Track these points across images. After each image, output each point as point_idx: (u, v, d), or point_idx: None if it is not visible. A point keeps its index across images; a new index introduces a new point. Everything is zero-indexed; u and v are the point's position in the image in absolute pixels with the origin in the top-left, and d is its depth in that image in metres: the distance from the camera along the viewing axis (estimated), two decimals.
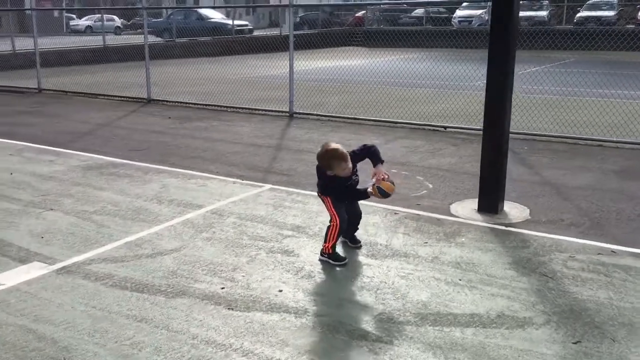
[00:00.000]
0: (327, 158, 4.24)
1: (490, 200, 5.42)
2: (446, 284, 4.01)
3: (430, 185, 6.28)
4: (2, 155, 7.65)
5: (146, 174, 6.70)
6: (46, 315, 3.60)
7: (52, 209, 5.51)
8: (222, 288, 3.95)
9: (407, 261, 4.38)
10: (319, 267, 4.30)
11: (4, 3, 20.67)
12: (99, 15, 39.97)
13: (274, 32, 29.90)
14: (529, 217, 5.31)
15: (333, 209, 4.36)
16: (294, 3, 10.63)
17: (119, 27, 38.83)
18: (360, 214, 4.65)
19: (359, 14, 36.20)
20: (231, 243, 4.71)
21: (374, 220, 5.22)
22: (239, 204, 5.68)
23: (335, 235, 4.32)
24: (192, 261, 4.38)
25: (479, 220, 5.24)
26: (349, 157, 4.23)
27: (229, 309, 3.68)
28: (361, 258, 4.45)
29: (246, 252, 4.54)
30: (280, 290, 3.92)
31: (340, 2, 40.02)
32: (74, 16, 45.33)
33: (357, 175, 4.43)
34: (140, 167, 7.03)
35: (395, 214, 5.41)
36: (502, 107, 5.26)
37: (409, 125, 9.43)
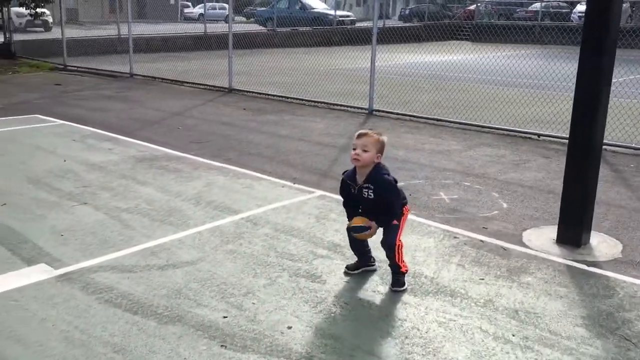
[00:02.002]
0: None
1: (572, 229, 4.49)
2: (494, 340, 3.21)
3: (505, 205, 5.39)
4: (66, 140, 7.57)
5: (195, 170, 6.31)
6: (22, 332, 3.21)
7: (85, 203, 5.22)
8: (225, 317, 3.39)
9: (452, 302, 3.60)
10: (343, 299, 3.63)
11: None
12: (212, 3, 41.17)
13: (380, 24, 29.12)
14: (620, 256, 4.32)
15: None
16: None
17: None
18: (387, 242, 3.71)
19: (471, 7, 34.56)
20: (255, 259, 4.15)
21: (427, 245, 4.46)
22: (279, 211, 5.11)
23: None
24: (204, 278, 3.86)
25: (555, 255, 4.33)
26: (363, 139, 3.60)
27: (222, 346, 3.12)
28: (397, 293, 3.72)
29: (267, 272, 3.96)
30: (290, 327, 3.30)
31: None
32: (189, 4, 47.01)
33: (368, 193, 3.65)
34: (192, 161, 6.65)
35: (455, 238, 4.61)
36: (592, 116, 4.30)
37: (497, 131, 8.44)
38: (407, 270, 3.82)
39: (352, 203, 3.81)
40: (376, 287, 3.78)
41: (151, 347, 3.09)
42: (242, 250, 4.30)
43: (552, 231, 4.68)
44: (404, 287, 3.75)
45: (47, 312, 3.41)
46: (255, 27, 27.44)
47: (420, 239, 4.54)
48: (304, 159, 6.89)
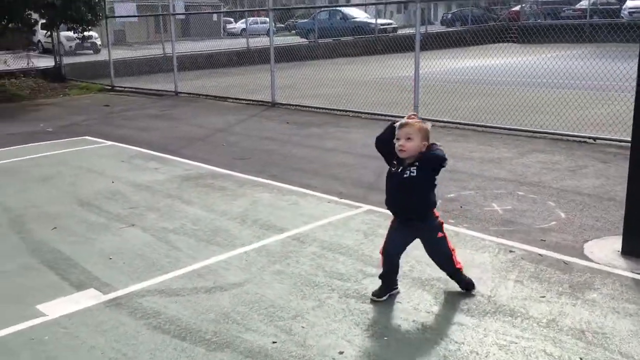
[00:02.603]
0: None
1: (638, 240, 4.21)
2: None
3: (563, 215, 5.13)
4: (114, 161, 7.66)
5: (241, 187, 6.26)
6: None
7: (133, 225, 5.23)
8: (274, 342, 3.29)
9: (512, 323, 3.40)
10: (396, 321, 3.48)
11: (155, 8, 22.00)
12: (254, 18, 41.68)
13: (422, 29, 28.80)
14: None
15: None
16: None
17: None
18: (442, 254, 3.70)
19: (515, 7, 33.89)
20: (303, 280, 4.04)
21: (481, 260, 4.25)
22: (327, 228, 5.00)
23: (381, 260, 3.73)
24: (252, 301, 3.77)
25: (621, 268, 4.06)
26: (406, 129, 3.45)
27: None
28: (453, 313, 3.54)
29: (316, 293, 3.84)
30: (341, 352, 3.17)
31: None
32: (231, 20, 47.79)
33: (411, 171, 3.51)
34: (237, 178, 6.61)
35: (511, 252, 4.39)
36: None
37: (550, 136, 8.12)
38: (462, 267, 3.78)
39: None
40: (430, 308, 3.61)
41: None
42: (289, 271, 4.19)
43: (615, 242, 4.42)
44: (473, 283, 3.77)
45: (96, 340, 3.38)
46: (297, 40, 27.56)
47: (475, 254, 4.34)
48: (349, 172, 6.76)
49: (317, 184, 6.32)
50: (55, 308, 3.75)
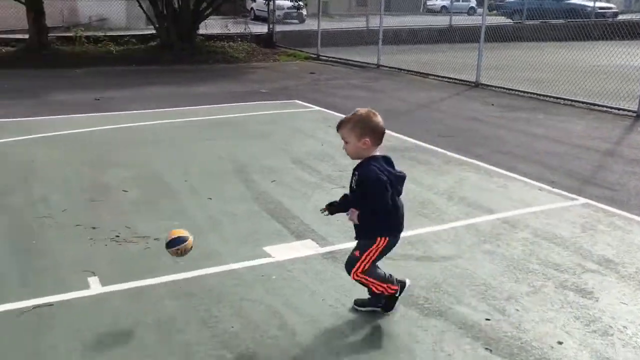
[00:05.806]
0: None
1: None
2: None
3: None
4: (322, 125, 8.07)
5: (446, 164, 6.25)
6: (297, 302, 3.46)
7: (343, 187, 5.47)
8: (487, 319, 3.28)
9: None
10: (621, 322, 3.27)
11: None
12: None
13: None
14: None
15: None
16: None
17: (472, 7, 38.93)
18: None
19: None
20: (515, 264, 3.95)
21: None
22: (539, 215, 4.81)
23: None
24: (462, 275, 3.78)
25: None
26: (341, 131, 3.17)
27: (486, 349, 3.02)
28: None
29: (530, 279, 3.74)
30: (560, 343, 3.07)
31: None
32: None
33: (353, 180, 3.25)
34: (442, 155, 6.60)
35: None
36: None
37: None
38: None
39: None
40: None
41: (415, 337, 3.11)
42: (500, 252, 4.13)
43: None
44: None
45: (317, 286, 3.64)
46: (500, 20, 26.39)
47: None
48: (561, 161, 6.40)
49: (526, 169, 6.09)
50: (279, 252, 4.10)
